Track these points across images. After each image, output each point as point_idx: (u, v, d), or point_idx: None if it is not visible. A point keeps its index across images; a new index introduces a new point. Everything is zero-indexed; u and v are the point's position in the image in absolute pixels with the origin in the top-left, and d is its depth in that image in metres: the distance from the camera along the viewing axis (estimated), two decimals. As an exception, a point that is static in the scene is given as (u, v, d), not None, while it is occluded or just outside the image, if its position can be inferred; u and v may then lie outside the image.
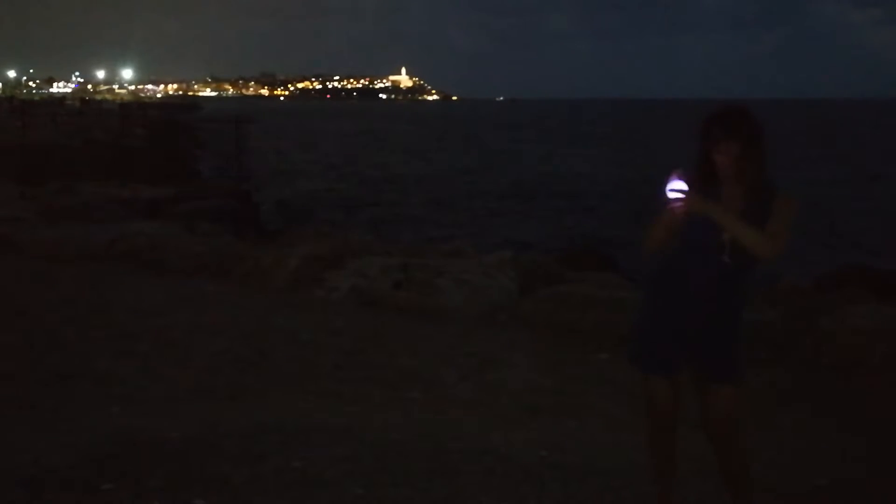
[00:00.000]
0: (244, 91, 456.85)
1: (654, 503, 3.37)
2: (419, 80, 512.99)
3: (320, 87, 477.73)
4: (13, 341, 6.16)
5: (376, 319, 7.43)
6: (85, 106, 52.53)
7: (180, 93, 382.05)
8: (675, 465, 3.32)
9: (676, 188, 2.96)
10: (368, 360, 6.17)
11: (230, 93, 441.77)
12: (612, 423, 5.10)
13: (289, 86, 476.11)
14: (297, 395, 5.34)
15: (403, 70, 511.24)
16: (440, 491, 3.66)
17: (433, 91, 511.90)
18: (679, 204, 2.96)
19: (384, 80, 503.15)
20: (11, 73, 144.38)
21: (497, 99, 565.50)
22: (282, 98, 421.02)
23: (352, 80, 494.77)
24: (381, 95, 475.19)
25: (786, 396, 5.69)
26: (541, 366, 6.24)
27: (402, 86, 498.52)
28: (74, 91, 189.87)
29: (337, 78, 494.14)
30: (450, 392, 5.62)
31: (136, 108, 48.76)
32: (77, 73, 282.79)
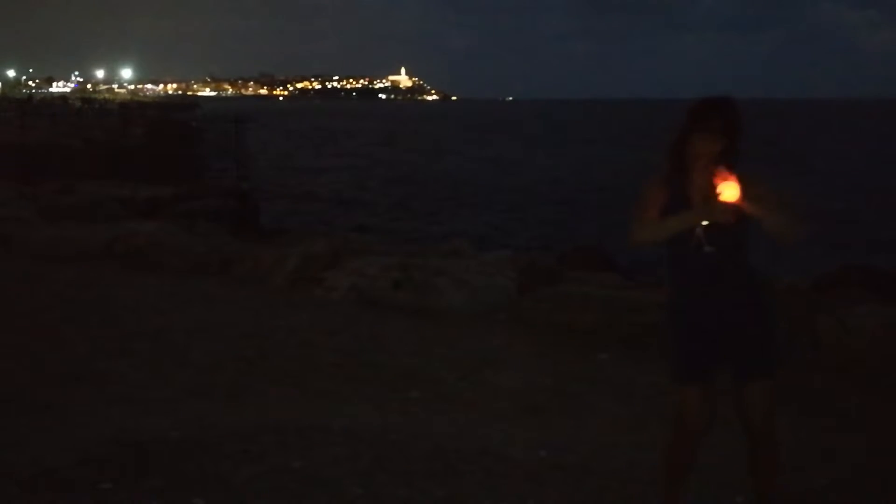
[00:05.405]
0: (243, 91, 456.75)
1: (653, 503, 3.37)
2: (418, 80, 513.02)
3: (319, 87, 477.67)
4: (13, 341, 6.16)
5: (376, 319, 7.42)
6: (87, 105, 52.57)
7: (179, 92, 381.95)
8: (689, 471, 3.30)
9: (733, 190, 2.94)
10: (368, 360, 6.17)
11: (229, 92, 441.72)
12: (612, 423, 5.10)
13: (288, 86, 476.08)
14: (297, 395, 5.35)
15: (403, 70, 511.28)
16: (440, 491, 3.66)
17: (432, 91, 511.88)
18: (732, 199, 2.94)
19: (383, 80, 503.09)
20: (11, 73, 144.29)
21: (506, 99, 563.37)
22: (280, 98, 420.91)
23: (351, 80, 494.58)
24: (380, 95, 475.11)
25: (785, 396, 5.68)
26: (541, 366, 6.23)
27: (401, 86, 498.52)
28: (73, 91, 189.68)
29: (336, 78, 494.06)
30: (449, 392, 5.62)
31: (136, 107, 48.78)
32: (76, 73, 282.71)
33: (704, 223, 3.03)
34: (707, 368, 3.15)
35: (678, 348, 3.20)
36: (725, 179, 2.95)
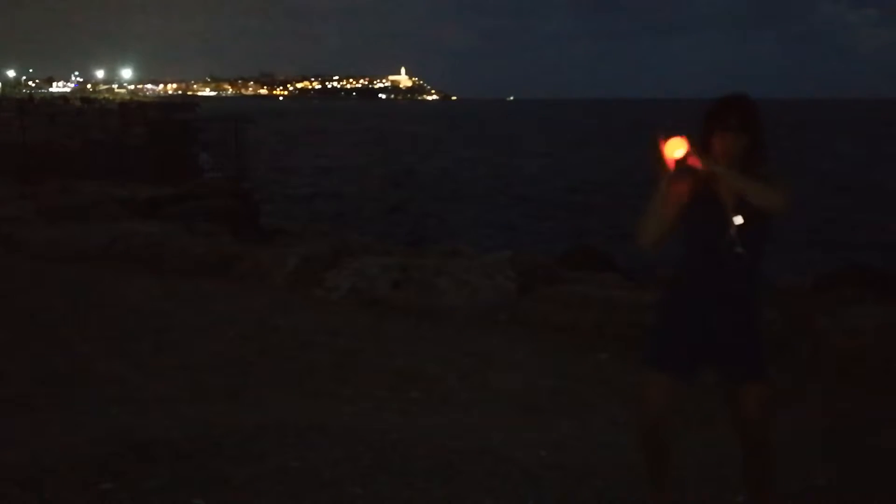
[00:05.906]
0: (243, 91, 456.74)
1: None
2: (418, 80, 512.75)
3: (319, 86, 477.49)
4: (12, 341, 6.16)
5: (376, 319, 7.43)
6: (87, 105, 52.64)
7: (179, 92, 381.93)
8: (669, 469, 3.26)
9: (677, 146, 2.96)
10: (368, 360, 6.17)
11: (229, 92, 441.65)
12: (612, 423, 5.10)
13: (288, 86, 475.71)
14: (297, 395, 5.35)
15: (403, 70, 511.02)
16: (440, 491, 3.66)
17: (432, 91, 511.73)
18: (685, 161, 2.95)
19: (384, 80, 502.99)
20: (11, 73, 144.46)
21: (507, 98, 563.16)
22: (280, 98, 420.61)
23: (351, 80, 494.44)
24: (380, 95, 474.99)
25: (785, 397, 5.69)
26: (540, 366, 6.24)
27: (401, 86, 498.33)
28: (73, 91, 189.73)
29: (336, 78, 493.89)
30: (449, 392, 5.62)
31: (136, 107, 48.80)
32: (76, 73, 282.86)
33: (738, 222, 3.00)
34: (682, 364, 3.11)
35: (660, 333, 3.18)
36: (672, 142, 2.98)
